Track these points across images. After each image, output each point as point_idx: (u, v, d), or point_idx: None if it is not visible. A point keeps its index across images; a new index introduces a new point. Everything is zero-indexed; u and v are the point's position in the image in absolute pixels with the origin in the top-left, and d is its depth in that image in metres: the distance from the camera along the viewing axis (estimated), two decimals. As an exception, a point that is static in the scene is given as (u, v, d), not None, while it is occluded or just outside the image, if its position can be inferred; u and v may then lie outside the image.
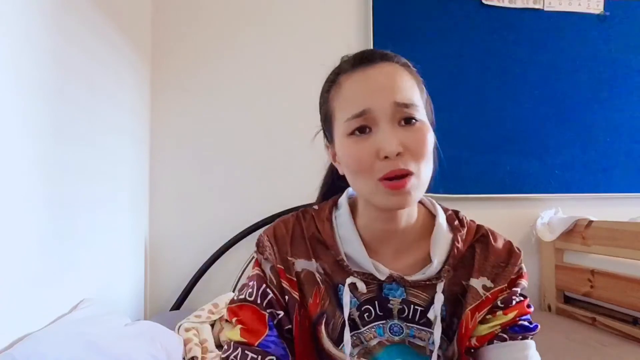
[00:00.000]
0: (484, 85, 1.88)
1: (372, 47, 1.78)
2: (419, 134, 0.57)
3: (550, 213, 1.86)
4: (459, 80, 1.86)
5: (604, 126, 1.95)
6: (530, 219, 1.89)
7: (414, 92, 0.59)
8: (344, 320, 0.63)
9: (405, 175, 0.55)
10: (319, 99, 0.67)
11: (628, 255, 1.45)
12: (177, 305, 1.65)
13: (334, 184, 0.74)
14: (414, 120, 0.57)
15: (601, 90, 1.95)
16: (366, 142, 0.57)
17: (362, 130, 0.58)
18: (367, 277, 0.63)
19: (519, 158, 1.89)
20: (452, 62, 1.86)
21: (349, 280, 0.63)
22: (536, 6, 1.92)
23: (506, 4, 1.90)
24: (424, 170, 0.58)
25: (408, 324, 0.63)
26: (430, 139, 0.59)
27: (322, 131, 0.70)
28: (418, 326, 0.63)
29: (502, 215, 1.89)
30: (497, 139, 1.88)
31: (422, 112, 0.59)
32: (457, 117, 1.85)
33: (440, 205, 0.70)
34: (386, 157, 0.55)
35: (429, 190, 0.63)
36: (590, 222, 1.63)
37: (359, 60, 0.61)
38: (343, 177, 0.65)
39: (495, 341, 0.62)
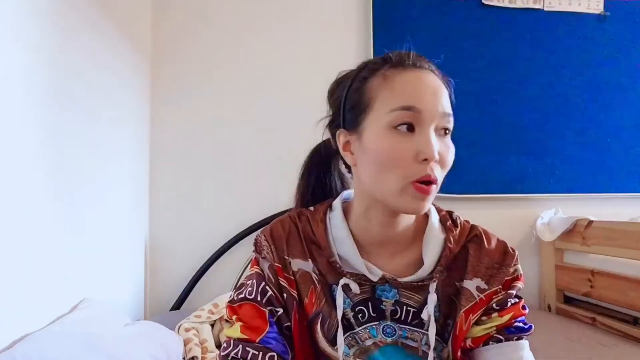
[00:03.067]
0: (484, 85, 1.88)
1: (372, 48, 1.79)
2: (449, 148, 0.60)
3: (550, 213, 1.85)
4: (458, 80, 1.84)
5: (604, 126, 1.94)
6: (530, 219, 1.89)
7: (450, 105, 0.61)
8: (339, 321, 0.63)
9: (433, 182, 0.57)
10: (350, 83, 0.64)
11: (628, 255, 1.44)
12: (177, 305, 1.65)
13: (324, 185, 0.74)
14: (448, 132, 0.60)
15: (601, 90, 1.95)
16: (408, 141, 0.57)
17: (409, 127, 0.57)
18: (360, 278, 0.64)
19: (519, 158, 1.89)
20: (451, 62, 1.84)
21: (342, 282, 0.63)
22: (536, 6, 1.92)
23: (506, 4, 1.90)
24: (441, 182, 0.60)
25: (401, 325, 0.64)
26: (453, 154, 0.61)
27: (328, 119, 0.69)
28: (411, 327, 0.63)
29: (502, 215, 1.88)
30: (497, 139, 1.88)
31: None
32: (457, 117, 1.81)
33: (434, 205, 0.70)
34: (425, 160, 0.56)
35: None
36: (590, 222, 1.62)
37: (413, 62, 0.62)
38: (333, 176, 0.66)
39: (490, 342, 0.63)
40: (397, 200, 0.58)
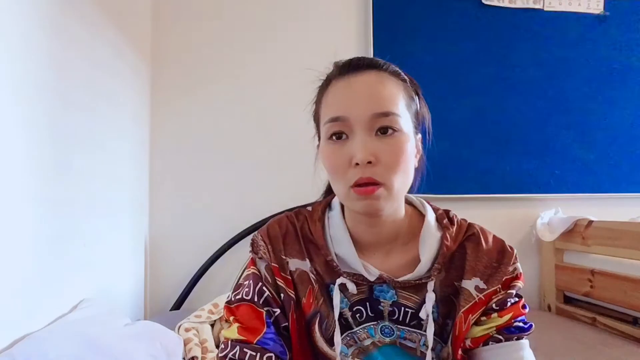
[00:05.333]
0: (484, 85, 1.88)
1: (372, 48, 1.78)
2: (394, 146, 0.58)
3: (550, 213, 1.85)
4: (458, 80, 1.86)
5: (604, 126, 1.94)
6: (530, 219, 1.89)
7: (395, 102, 0.59)
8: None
9: (372, 184, 0.57)
10: (314, 100, 0.69)
11: (628, 255, 1.44)
12: (177, 305, 1.65)
13: None
14: (391, 130, 0.58)
15: (601, 90, 1.95)
16: (341, 149, 0.59)
17: (339, 136, 0.59)
18: (357, 278, 0.64)
19: (519, 158, 1.89)
20: (452, 62, 1.85)
21: (339, 281, 0.63)
22: (536, 6, 1.92)
23: (506, 4, 1.90)
24: (397, 183, 0.58)
25: (399, 326, 0.63)
26: (408, 150, 0.59)
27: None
28: (409, 328, 0.63)
29: (502, 215, 1.89)
30: (497, 139, 1.88)
31: (403, 122, 0.59)
32: (457, 117, 1.84)
33: (431, 204, 0.70)
34: (357, 165, 0.57)
35: (425, 191, 0.63)
36: (590, 222, 1.62)
37: (347, 68, 0.62)
38: None
39: (490, 342, 0.62)
40: (348, 204, 0.61)
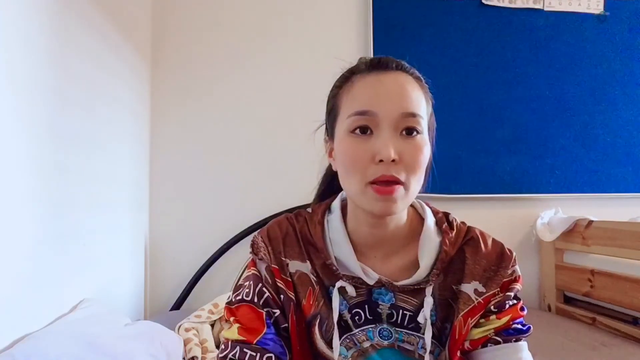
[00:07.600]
0: (484, 85, 1.88)
1: (372, 48, 1.79)
2: (416, 148, 0.58)
3: (550, 213, 1.85)
4: (458, 80, 1.86)
5: (604, 126, 1.95)
6: (530, 219, 1.89)
7: (421, 104, 0.60)
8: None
9: (394, 182, 0.56)
10: (329, 92, 0.68)
11: (628, 255, 1.44)
12: (177, 305, 1.65)
13: (331, 184, 0.74)
14: (415, 132, 0.58)
15: (601, 90, 1.95)
16: (365, 144, 0.58)
17: (364, 130, 0.58)
18: (356, 281, 0.64)
19: (519, 158, 1.89)
20: (452, 62, 1.86)
21: (338, 284, 0.63)
22: (536, 6, 1.92)
23: (506, 4, 1.90)
24: (414, 184, 0.58)
25: (397, 329, 0.63)
26: (426, 154, 0.59)
27: (324, 125, 0.70)
28: (407, 331, 0.63)
29: (502, 215, 1.89)
30: (497, 139, 1.88)
31: (424, 125, 0.60)
32: (457, 117, 1.85)
33: (430, 207, 0.70)
34: (381, 161, 0.56)
35: (425, 191, 0.63)
36: (590, 222, 1.62)
37: (376, 65, 0.62)
38: (336, 175, 0.66)
39: (489, 344, 0.62)
40: (362, 201, 0.59)
